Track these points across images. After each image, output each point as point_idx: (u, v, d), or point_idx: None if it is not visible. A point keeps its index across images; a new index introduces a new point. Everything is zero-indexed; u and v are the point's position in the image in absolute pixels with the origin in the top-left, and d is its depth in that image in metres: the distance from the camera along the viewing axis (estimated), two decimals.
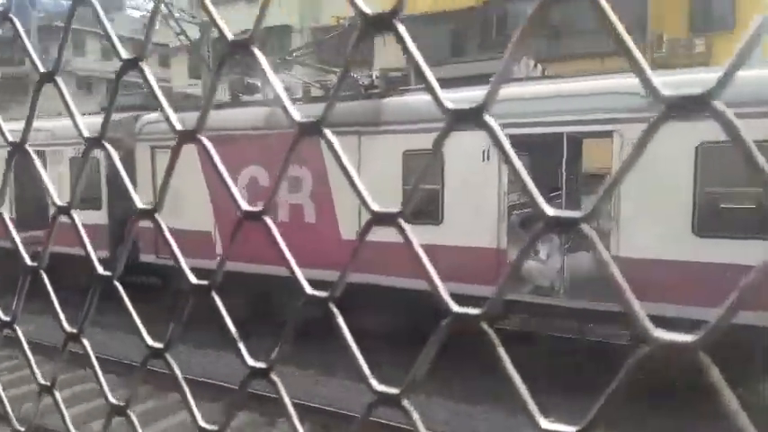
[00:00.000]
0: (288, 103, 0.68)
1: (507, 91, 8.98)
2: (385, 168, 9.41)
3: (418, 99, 9.21)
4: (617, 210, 8.01)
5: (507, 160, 0.63)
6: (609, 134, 8.18)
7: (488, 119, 0.64)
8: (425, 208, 9.47)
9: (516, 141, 9.55)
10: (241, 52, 0.67)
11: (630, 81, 8.54)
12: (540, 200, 0.62)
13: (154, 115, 12.31)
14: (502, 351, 0.65)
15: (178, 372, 0.79)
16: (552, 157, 10.23)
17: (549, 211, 0.62)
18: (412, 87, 10.15)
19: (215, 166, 0.73)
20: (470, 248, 8.95)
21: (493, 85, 0.64)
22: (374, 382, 0.70)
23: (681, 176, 7.63)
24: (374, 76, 10.52)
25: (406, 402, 0.69)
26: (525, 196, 0.63)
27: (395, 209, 0.68)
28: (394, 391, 0.69)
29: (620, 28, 0.57)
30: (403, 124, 9.44)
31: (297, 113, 0.69)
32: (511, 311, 10.88)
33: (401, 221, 0.68)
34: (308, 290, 0.70)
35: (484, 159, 8.99)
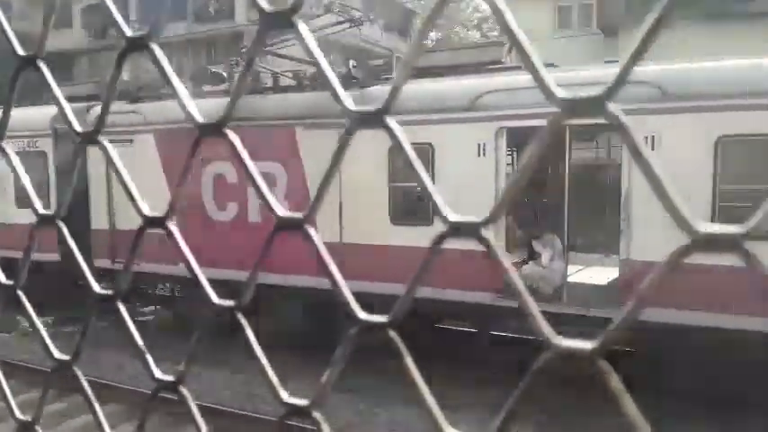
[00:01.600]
0: (189, 103, 0.73)
1: (496, 81, 9.13)
2: (368, 166, 9.44)
3: (407, 89, 9.08)
4: (628, 212, 8.13)
5: (408, 163, 0.68)
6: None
7: (390, 121, 0.69)
8: (415, 208, 9.59)
9: (515, 134, 9.46)
10: (138, 49, 0.72)
11: (640, 70, 8.57)
12: (441, 202, 0.67)
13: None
14: (409, 360, 0.70)
15: (85, 384, 0.83)
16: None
17: (451, 216, 0.67)
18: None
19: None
20: (464, 252, 8.90)
21: (394, 83, 0.69)
22: (284, 394, 0.75)
23: (700, 173, 7.76)
24: (351, 65, 10.57)
25: (316, 414, 0.74)
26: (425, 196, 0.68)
27: (300, 213, 0.73)
28: (303, 402, 0.74)
29: (514, 26, 0.62)
30: (402, 115, 9.29)
31: (198, 115, 0.74)
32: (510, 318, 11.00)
33: (307, 227, 0.73)
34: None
35: (480, 154, 9.02)
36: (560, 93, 0.62)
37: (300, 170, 10.17)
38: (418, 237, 8.99)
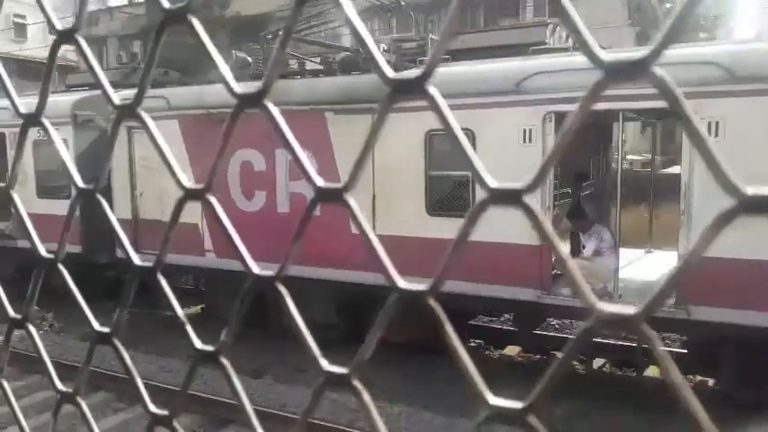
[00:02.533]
0: (228, 76, 0.78)
1: (544, 62, 9.04)
2: (403, 153, 9.44)
3: (446, 71, 9.05)
4: (688, 205, 8.00)
5: (452, 137, 0.72)
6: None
7: (431, 89, 0.73)
8: (453, 199, 9.55)
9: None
10: (177, 22, 0.77)
11: (706, 49, 8.45)
12: (482, 169, 0.71)
13: (128, 92, 12.24)
14: (449, 328, 0.74)
15: (125, 355, 0.90)
16: (583, 142, 10.26)
17: (492, 182, 0.71)
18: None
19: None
20: (508, 245, 8.85)
21: (434, 50, 0.73)
22: (324, 362, 0.80)
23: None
24: (382, 48, 10.61)
25: (355, 382, 0.79)
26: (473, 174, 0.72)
27: (339, 184, 0.78)
28: (343, 370, 0.79)
29: None
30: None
31: (236, 85, 0.79)
32: (551, 316, 10.94)
33: (347, 197, 0.78)
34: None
35: (525, 141, 8.88)
36: (603, 55, 0.65)
37: (331, 157, 10.13)
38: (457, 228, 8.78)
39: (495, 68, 9.33)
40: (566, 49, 9.86)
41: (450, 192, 9.56)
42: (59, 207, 12.08)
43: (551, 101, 8.58)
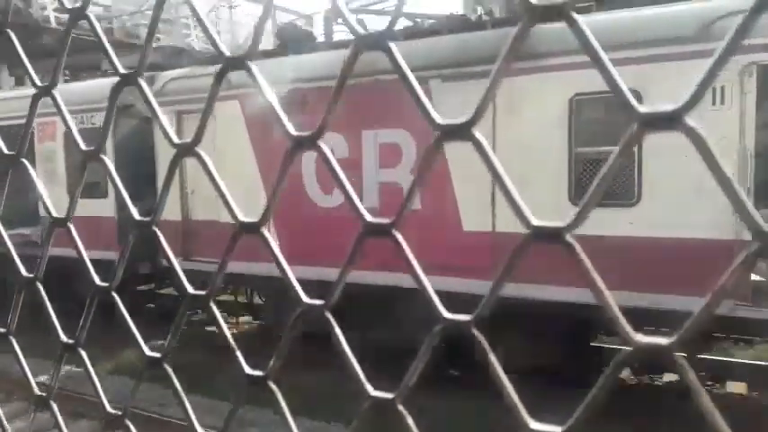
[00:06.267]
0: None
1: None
2: (538, 124, 7.77)
3: (600, 18, 7.63)
4: None
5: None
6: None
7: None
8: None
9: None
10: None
11: None
12: (523, 209, 0.76)
13: (179, 71, 11.26)
14: (492, 356, 0.79)
15: (175, 379, 0.94)
16: None
17: (534, 220, 0.76)
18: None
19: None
20: (687, 241, 7.11)
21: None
22: (369, 387, 0.85)
23: None
24: (481, 12, 9.17)
25: (400, 407, 0.84)
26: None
27: (388, 219, 0.83)
28: (388, 395, 0.84)
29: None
30: (575, 56, 7.20)
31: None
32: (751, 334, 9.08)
33: (396, 234, 0.83)
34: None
35: (715, 102, 7.02)
36: (639, 107, 0.70)
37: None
38: (615, 221, 7.21)
39: (668, 12, 7.47)
40: None
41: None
42: (95, 208, 11.11)
43: (752, 49, 6.68)
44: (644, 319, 6.99)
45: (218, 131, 9.98)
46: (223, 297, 13.34)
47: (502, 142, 7.75)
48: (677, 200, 7.18)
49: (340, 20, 10.44)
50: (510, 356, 7.72)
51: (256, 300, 12.31)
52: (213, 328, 12.51)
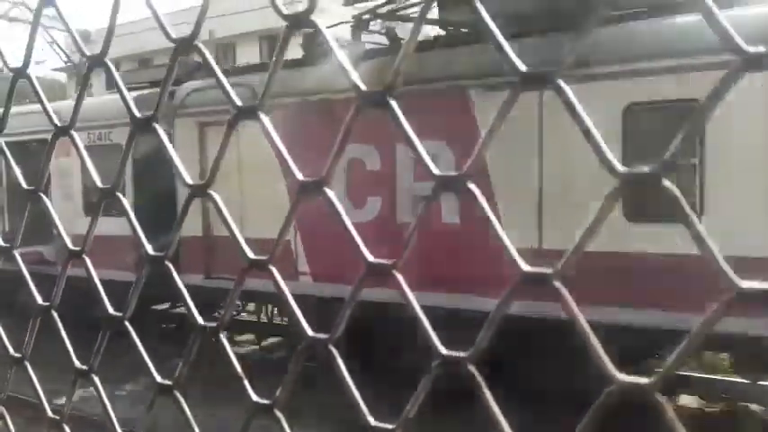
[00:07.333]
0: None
1: None
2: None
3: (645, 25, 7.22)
4: None
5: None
6: None
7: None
8: (666, 198, 7.17)
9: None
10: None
11: None
12: (514, 254, 0.81)
13: (200, 82, 10.83)
14: (487, 393, 0.84)
15: (185, 407, 0.99)
16: None
17: (525, 267, 0.81)
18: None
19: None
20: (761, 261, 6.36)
21: None
22: (371, 419, 0.90)
23: None
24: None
25: None
26: None
27: (389, 260, 0.88)
28: (388, 427, 0.89)
29: None
30: (629, 63, 6.96)
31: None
32: None
33: (396, 274, 0.88)
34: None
35: None
36: (619, 167, 0.76)
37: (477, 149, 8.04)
38: (673, 239, 6.22)
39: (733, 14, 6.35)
40: None
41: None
42: (111, 226, 10.68)
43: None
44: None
45: (242, 141, 9.33)
46: (245, 315, 13.16)
47: (549, 157, 7.38)
48: (744, 214, 6.61)
49: (370, 27, 10.26)
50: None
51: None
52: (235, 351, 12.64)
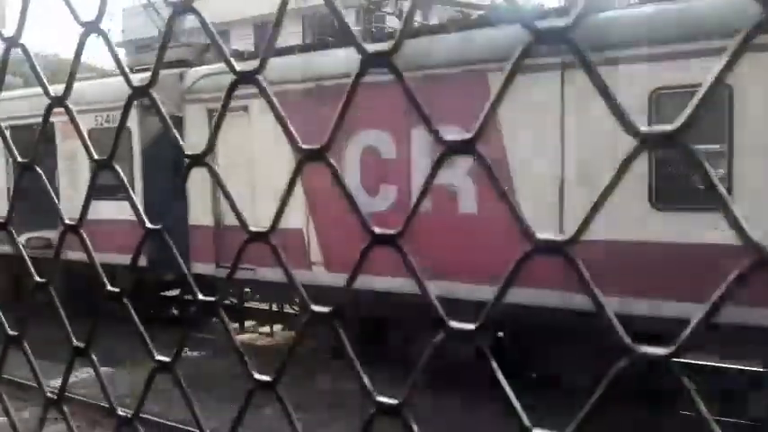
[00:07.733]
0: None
1: None
2: (611, 119, 7.40)
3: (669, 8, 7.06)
4: None
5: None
6: None
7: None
8: (693, 186, 6.75)
9: None
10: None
11: None
12: (526, 223, 0.78)
13: (209, 67, 10.73)
14: (494, 364, 0.81)
15: (184, 387, 0.96)
16: None
17: (537, 234, 0.78)
18: None
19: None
20: None
21: None
22: (374, 394, 0.87)
23: None
24: None
25: (406, 413, 0.86)
26: None
27: (394, 230, 0.85)
28: (393, 401, 0.86)
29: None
30: (654, 46, 6.81)
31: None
32: None
33: (400, 243, 0.85)
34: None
35: None
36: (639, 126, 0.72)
37: (496, 135, 7.48)
38: (703, 228, 6.35)
39: None
40: None
41: (689, 175, 6.62)
42: (117, 210, 10.05)
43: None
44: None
45: (254, 128, 9.46)
46: (253, 304, 13.01)
47: (571, 140, 7.20)
48: None
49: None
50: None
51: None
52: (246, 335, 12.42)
